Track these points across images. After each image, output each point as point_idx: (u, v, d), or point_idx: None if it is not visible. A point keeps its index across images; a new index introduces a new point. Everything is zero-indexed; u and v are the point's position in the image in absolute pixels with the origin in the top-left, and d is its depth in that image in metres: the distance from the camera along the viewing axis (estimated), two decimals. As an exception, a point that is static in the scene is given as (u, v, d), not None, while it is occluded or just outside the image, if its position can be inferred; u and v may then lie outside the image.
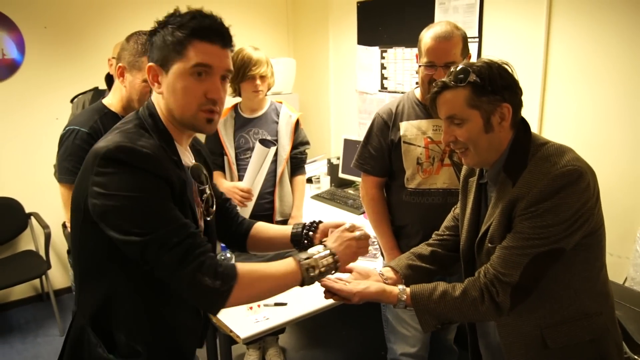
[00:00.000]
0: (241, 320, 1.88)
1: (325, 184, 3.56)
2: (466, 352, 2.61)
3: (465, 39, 1.86)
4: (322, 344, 3.15)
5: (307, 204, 2.76)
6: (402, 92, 3.42)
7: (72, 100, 2.56)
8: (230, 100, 2.69)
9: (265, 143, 2.36)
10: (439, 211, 1.89)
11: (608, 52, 2.41)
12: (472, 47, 2.51)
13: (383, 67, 3.56)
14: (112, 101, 1.84)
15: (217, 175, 2.55)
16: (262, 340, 2.89)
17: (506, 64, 1.34)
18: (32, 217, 3.51)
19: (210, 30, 1.16)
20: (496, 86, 1.31)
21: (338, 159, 3.60)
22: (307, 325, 3.24)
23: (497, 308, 1.33)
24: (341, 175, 3.58)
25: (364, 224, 2.86)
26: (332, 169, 3.62)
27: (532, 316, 1.39)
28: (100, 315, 1.18)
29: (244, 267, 1.13)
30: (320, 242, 1.35)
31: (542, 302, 1.36)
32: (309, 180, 3.55)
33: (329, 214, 3.12)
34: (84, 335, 1.19)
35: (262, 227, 1.53)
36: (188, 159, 1.27)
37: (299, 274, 1.18)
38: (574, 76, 2.57)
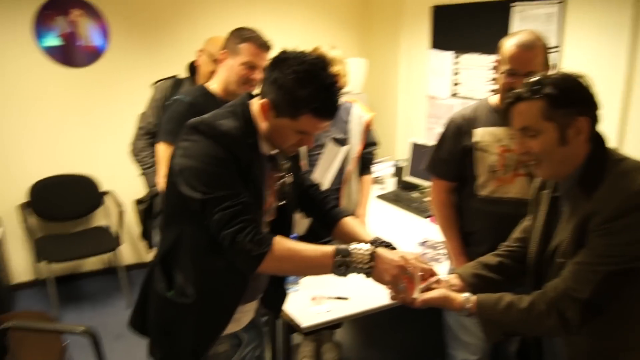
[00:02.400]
0: (303, 310, 1.93)
1: (390, 186, 3.57)
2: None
3: (547, 50, 1.84)
4: (378, 343, 3.17)
5: (371, 204, 2.79)
6: (474, 99, 3.39)
7: (154, 84, 2.73)
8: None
9: (337, 142, 2.40)
10: (510, 221, 1.84)
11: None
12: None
13: (455, 72, 3.54)
14: (214, 84, 2.11)
15: None
16: (318, 333, 2.94)
17: (582, 77, 1.32)
18: (107, 195, 3.72)
19: (330, 112, 1.32)
20: (572, 99, 1.29)
21: (405, 161, 3.60)
22: (364, 323, 3.26)
23: (565, 324, 1.31)
24: (407, 178, 3.58)
25: (429, 227, 2.89)
26: (398, 172, 3.63)
27: (605, 338, 1.35)
28: (167, 256, 1.40)
29: (280, 241, 1.28)
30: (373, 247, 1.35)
31: (616, 324, 1.32)
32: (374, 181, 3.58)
33: (393, 216, 3.14)
34: (153, 272, 1.44)
35: (349, 223, 1.59)
36: (270, 149, 1.40)
37: (330, 267, 1.28)
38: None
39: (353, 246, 1.31)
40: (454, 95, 3.60)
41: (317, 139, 2.51)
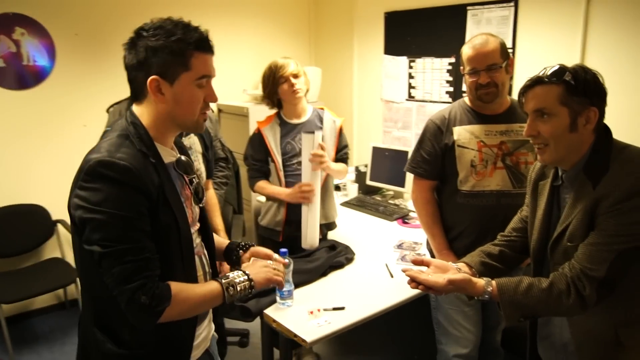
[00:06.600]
0: (303, 324, 1.89)
1: (353, 192, 3.57)
2: (511, 354, 2.64)
3: (502, 44, 1.98)
4: (356, 350, 3.15)
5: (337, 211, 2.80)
6: (431, 101, 3.49)
7: (107, 110, 2.56)
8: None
9: (307, 132, 2.40)
10: (492, 212, 2.00)
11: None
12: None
13: (411, 76, 3.61)
14: None
15: (263, 183, 2.56)
16: (298, 347, 2.88)
17: (597, 72, 1.41)
18: (59, 224, 3.49)
19: (207, 41, 1.26)
20: (588, 89, 1.37)
21: (366, 166, 3.63)
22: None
23: (582, 302, 1.37)
24: (369, 182, 3.60)
25: (400, 229, 2.91)
26: (360, 177, 3.64)
27: (606, 315, 1.42)
28: (102, 314, 1.28)
29: (176, 289, 1.23)
30: (239, 269, 1.45)
31: (617, 301, 1.39)
32: (337, 188, 3.57)
33: (362, 221, 3.14)
34: (90, 335, 1.29)
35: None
36: (172, 155, 1.35)
37: (221, 295, 1.32)
38: (611, 88, 2.61)
39: (233, 277, 1.37)
40: (411, 98, 3.66)
41: (292, 148, 2.49)
